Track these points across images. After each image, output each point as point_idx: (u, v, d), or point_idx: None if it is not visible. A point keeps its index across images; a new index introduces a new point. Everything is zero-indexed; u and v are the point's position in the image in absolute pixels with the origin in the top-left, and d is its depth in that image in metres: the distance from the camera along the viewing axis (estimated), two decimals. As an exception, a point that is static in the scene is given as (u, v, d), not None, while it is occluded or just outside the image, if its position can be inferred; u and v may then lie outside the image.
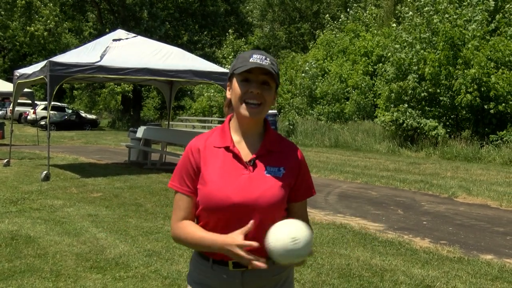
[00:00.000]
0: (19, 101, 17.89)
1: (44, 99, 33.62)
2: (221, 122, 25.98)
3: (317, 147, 19.29)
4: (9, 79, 22.44)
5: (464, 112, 16.85)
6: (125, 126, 31.40)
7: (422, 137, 16.64)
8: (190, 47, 30.34)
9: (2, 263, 4.61)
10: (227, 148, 1.70)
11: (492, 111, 15.43)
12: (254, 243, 1.53)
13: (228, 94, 1.76)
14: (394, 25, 21.45)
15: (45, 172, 9.54)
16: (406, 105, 16.78)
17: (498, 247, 5.69)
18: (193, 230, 1.70)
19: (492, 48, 16.11)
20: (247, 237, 1.60)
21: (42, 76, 9.92)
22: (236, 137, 1.73)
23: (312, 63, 24.28)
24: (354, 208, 7.81)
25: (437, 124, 16.35)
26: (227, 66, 27.22)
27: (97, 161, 13.27)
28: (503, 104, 15.25)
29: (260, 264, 1.55)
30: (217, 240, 1.62)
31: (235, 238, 1.57)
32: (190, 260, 1.84)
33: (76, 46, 23.58)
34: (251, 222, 1.61)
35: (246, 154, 1.71)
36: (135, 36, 11.58)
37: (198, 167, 1.70)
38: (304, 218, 1.82)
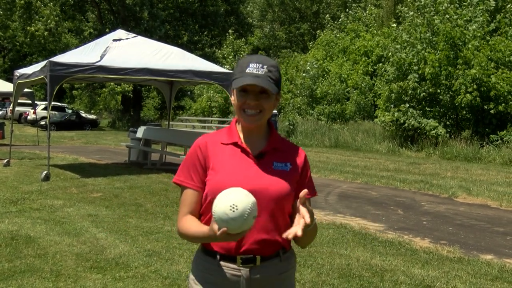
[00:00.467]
0: (19, 101, 17.88)
1: (44, 99, 33.62)
2: (221, 122, 26.08)
3: (317, 147, 19.29)
4: (9, 79, 22.44)
5: (464, 112, 16.85)
6: (125, 126, 31.41)
7: (422, 137, 16.64)
8: (190, 47, 30.33)
9: (2, 263, 4.61)
10: (235, 144, 1.75)
11: (492, 111, 15.44)
12: (224, 228, 1.50)
13: (232, 100, 1.79)
14: (394, 25, 21.43)
15: (45, 172, 9.54)
16: (407, 105, 16.78)
17: (498, 247, 5.69)
18: (191, 224, 1.72)
19: (492, 48, 16.11)
20: (256, 228, 1.63)
21: (42, 76, 9.92)
22: (242, 136, 1.78)
23: (314, 63, 24.27)
24: (354, 208, 7.81)
25: (437, 124, 16.36)
26: (227, 66, 27.27)
27: (97, 161, 13.27)
28: (503, 104, 15.25)
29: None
30: (204, 231, 1.63)
31: (213, 229, 1.55)
32: (193, 259, 1.84)
33: (76, 46, 23.60)
34: None
35: (253, 150, 1.76)
36: (135, 36, 11.58)
37: (206, 161, 1.74)
38: None
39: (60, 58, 10.17)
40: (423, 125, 16.43)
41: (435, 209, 7.76)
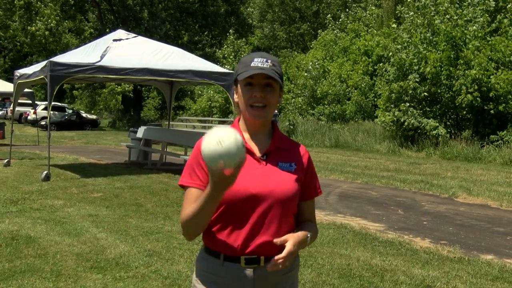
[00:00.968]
0: (19, 101, 17.89)
1: (44, 99, 33.65)
2: (221, 122, 26.06)
3: (318, 147, 19.29)
4: (9, 79, 22.48)
5: (464, 112, 16.85)
6: (125, 126, 31.40)
7: (423, 137, 16.64)
8: (190, 47, 30.31)
9: (2, 263, 4.61)
10: None
11: (492, 111, 15.44)
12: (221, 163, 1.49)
13: (236, 98, 1.79)
14: (394, 25, 21.42)
15: (45, 172, 9.54)
16: (408, 104, 16.78)
17: (499, 247, 5.69)
18: (192, 205, 1.67)
19: (492, 48, 16.11)
20: (261, 230, 1.66)
21: (42, 76, 9.92)
22: (246, 136, 1.78)
23: (316, 63, 24.26)
24: (354, 208, 7.81)
25: (437, 124, 16.36)
26: (227, 66, 27.25)
27: (98, 161, 13.27)
28: (503, 105, 15.25)
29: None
30: (205, 194, 1.59)
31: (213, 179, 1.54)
32: (196, 260, 1.83)
33: (77, 46, 23.57)
34: None
35: (257, 150, 1.76)
36: (135, 36, 11.58)
37: None
38: (312, 218, 1.88)
39: (60, 58, 10.17)
40: (423, 125, 16.43)
41: (436, 209, 7.76)
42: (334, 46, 26.21)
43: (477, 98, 15.33)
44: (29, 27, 30.12)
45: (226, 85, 10.68)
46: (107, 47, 10.40)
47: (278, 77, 1.70)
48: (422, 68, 16.76)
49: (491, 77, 15.41)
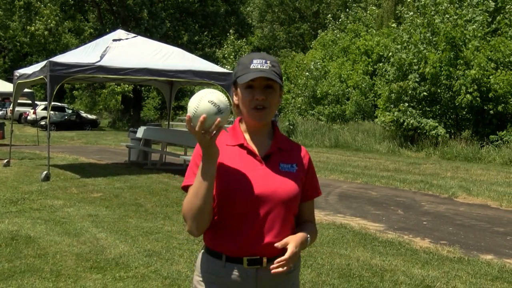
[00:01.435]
0: (19, 101, 17.90)
1: (44, 99, 33.62)
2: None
3: (317, 147, 19.29)
4: (9, 79, 22.43)
5: (464, 112, 16.85)
6: (125, 126, 31.39)
7: (422, 137, 16.64)
8: (190, 47, 30.30)
9: (2, 263, 4.61)
10: (241, 145, 1.74)
11: (491, 111, 15.44)
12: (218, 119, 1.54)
13: (235, 99, 1.78)
14: (394, 25, 21.42)
15: (45, 172, 9.54)
16: (407, 105, 16.79)
17: (498, 247, 5.69)
18: (190, 192, 1.67)
19: (492, 48, 16.11)
20: (263, 231, 1.66)
21: (42, 76, 9.92)
22: (247, 137, 1.77)
23: (318, 63, 24.24)
24: (354, 208, 7.81)
25: (437, 124, 16.36)
26: (227, 66, 27.23)
27: (97, 161, 13.27)
28: (502, 105, 15.26)
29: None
30: (201, 167, 1.62)
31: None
32: (197, 259, 1.83)
33: (76, 46, 23.58)
34: None
35: (259, 151, 1.75)
36: (135, 36, 11.57)
37: None
38: (311, 218, 1.88)
39: (60, 58, 10.16)
40: (423, 125, 16.44)
41: (435, 209, 7.76)
42: (333, 46, 26.20)
43: (477, 98, 15.34)
44: (28, 27, 30.11)
45: (226, 85, 10.67)
46: (107, 47, 10.39)
47: (278, 78, 1.69)
48: (422, 68, 16.76)
49: (491, 77, 15.42)
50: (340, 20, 28.96)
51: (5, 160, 11.69)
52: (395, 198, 8.68)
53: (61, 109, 31.94)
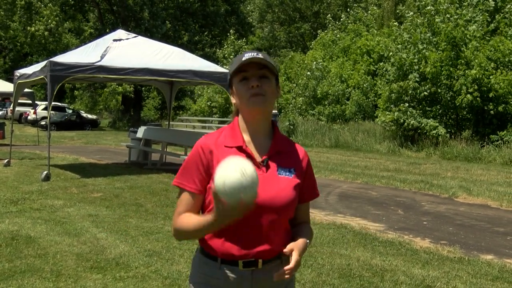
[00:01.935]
0: (19, 101, 17.88)
1: (44, 99, 33.63)
2: (221, 122, 26.06)
3: (318, 147, 19.29)
4: (9, 79, 22.46)
5: (464, 112, 16.85)
6: (125, 126, 31.40)
7: (423, 137, 16.64)
8: (190, 47, 30.31)
9: (2, 263, 4.61)
10: (239, 148, 1.70)
11: (492, 111, 15.44)
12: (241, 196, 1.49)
13: (233, 99, 1.76)
14: (396, 24, 21.41)
15: (45, 172, 9.54)
16: (407, 105, 16.78)
17: (499, 247, 5.69)
18: (190, 218, 1.68)
19: (492, 48, 16.11)
20: (260, 237, 1.66)
21: (42, 76, 9.92)
22: (246, 138, 1.74)
23: (320, 63, 24.23)
24: (354, 208, 7.81)
25: (437, 124, 16.35)
26: (227, 66, 27.22)
27: (98, 161, 13.27)
28: (503, 105, 15.25)
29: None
30: (208, 219, 1.60)
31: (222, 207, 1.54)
32: (192, 261, 1.82)
33: (77, 46, 23.57)
34: None
35: (256, 155, 1.72)
36: (135, 36, 11.58)
37: (210, 166, 1.68)
38: (307, 219, 1.86)
39: (60, 58, 10.16)
40: (423, 125, 16.43)
41: (436, 209, 7.76)
42: (333, 46, 26.19)
43: (477, 98, 15.33)
44: (29, 28, 30.12)
45: (226, 85, 10.64)
46: (107, 47, 10.39)
47: (271, 65, 1.68)
48: (422, 68, 16.76)
49: (491, 77, 15.42)
50: (341, 20, 28.95)
51: (6, 160, 11.69)
52: (395, 198, 8.68)
53: (61, 109, 31.97)
